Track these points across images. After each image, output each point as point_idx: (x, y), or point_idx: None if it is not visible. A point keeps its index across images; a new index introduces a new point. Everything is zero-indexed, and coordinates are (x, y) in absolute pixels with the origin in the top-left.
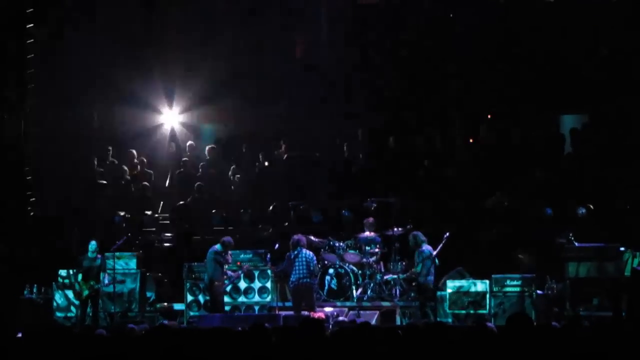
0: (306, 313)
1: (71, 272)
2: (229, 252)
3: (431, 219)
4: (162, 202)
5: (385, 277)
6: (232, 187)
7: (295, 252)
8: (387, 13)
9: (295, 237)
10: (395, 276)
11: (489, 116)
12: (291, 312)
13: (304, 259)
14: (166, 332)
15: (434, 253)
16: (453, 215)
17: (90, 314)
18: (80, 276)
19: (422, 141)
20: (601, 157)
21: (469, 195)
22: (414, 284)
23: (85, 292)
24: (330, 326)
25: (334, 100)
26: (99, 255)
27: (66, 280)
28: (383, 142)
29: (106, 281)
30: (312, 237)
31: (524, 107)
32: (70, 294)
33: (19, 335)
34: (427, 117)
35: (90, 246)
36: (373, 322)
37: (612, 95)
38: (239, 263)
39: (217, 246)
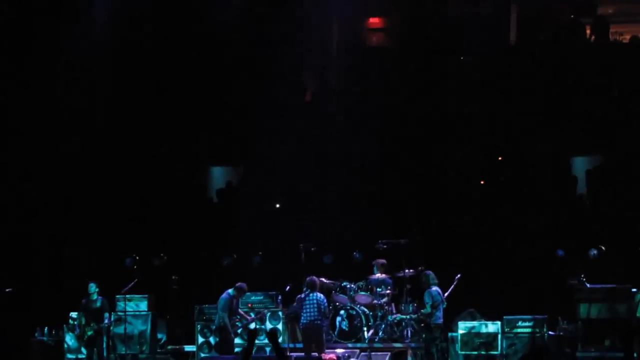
0: (316, 355)
1: (78, 314)
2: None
3: (443, 260)
4: None
5: (395, 317)
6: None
7: (306, 293)
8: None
9: (310, 278)
10: (405, 316)
11: (499, 158)
12: (302, 354)
13: (314, 300)
14: None
15: (444, 295)
16: (465, 257)
17: (96, 356)
18: (83, 318)
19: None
20: (613, 199)
21: (482, 236)
22: (422, 324)
23: (89, 333)
24: None
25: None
26: (99, 297)
27: (75, 322)
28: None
29: (106, 321)
30: (324, 279)
31: (537, 149)
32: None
33: None
34: (434, 158)
35: (90, 288)
36: None
37: (625, 137)
38: (250, 305)
39: (230, 290)
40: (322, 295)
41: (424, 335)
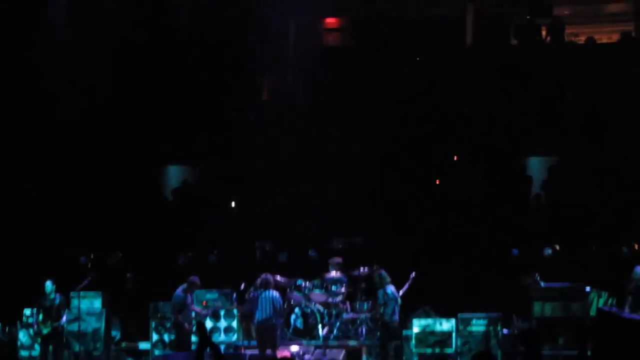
0: (270, 352)
1: (34, 311)
2: (194, 292)
3: (397, 259)
4: None
5: (353, 316)
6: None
7: (259, 291)
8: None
9: (264, 276)
10: (361, 315)
11: (455, 158)
12: (256, 352)
13: (269, 298)
14: None
15: (399, 294)
16: (419, 255)
17: (52, 353)
18: (40, 315)
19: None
20: (568, 198)
21: (434, 234)
22: (379, 323)
23: (46, 331)
24: None
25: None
26: (57, 294)
27: (30, 319)
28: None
29: (64, 319)
30: (279, 277)
31: (491, 149)
32: (32, 332)
33: None
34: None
35: (46, 286)
36: None
37: (581, 137)
38: (204, 302)
39: (183, 286)
40: (277, 293)
41: (378, 333)
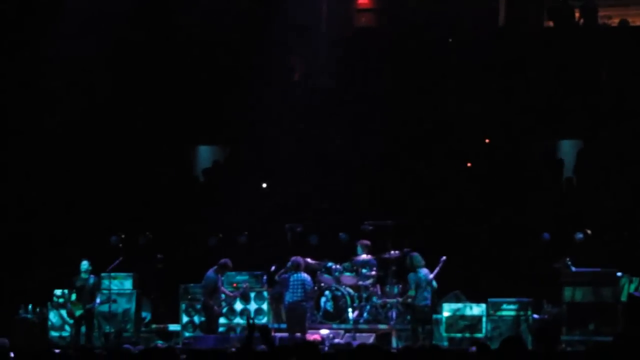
0: (299, 335)
1: (65, 291)
2: (224, 274)
3: (428, 242)
4: None
5: (383, 300)
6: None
7: (290, 274)
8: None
9: (295, 259)
10: (393, 300)
11: (486, 140)
12: (286, 334)
13: (300, 280)
14: (161, 353)
15: (431, 277)
16: (451, 239)
17: (84, 334)
18: (73, 296)
19: (422, 164)
20: (600, 183)
21: (467, 219)
22: (410, 306)
23: (79, 312)
24: (326, 348)
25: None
26: (91, 275)
27: (61, 300)
28: (381, 165)
29: (98, 300)
30: (309, 260)
31: (523, 132)
32: (64, 313)
33: (12, 355)
34: (425, 140)
35: (82, 266)
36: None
37: (611, 121)
38: (235, 285)
39: (214, 268)
40: (307, 275)
41: (408, 317)
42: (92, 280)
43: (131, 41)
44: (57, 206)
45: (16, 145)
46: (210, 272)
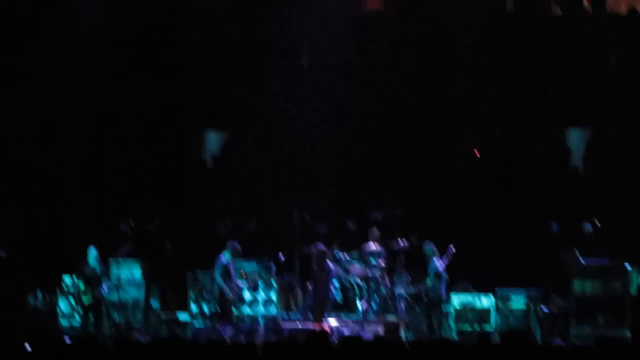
0: (310, 325)
1: (74, 278)
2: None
3: (436, 232)
4: None
5: (394, 290)
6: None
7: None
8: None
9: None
10: (401, 290)
11: (497, 130)
12: (295, 325)
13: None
14: (171, 343)
15: (440, 267)
16: (458, 228)
17: (93, 322)
18: (81, 283)
19: (428, 154)
20: (609, 172)
21: (474, 209)
22: (424, 295)
23: (87, 301)
24: (335, 339)
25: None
26: (99, 262)
27: (72, 288)
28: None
29: (106, 289)
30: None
31: (531, 119)
32: (73, 300)
33: (27, 346)
34: (433, 128)
35: (89, 253)
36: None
37: (622, 109)
38: (242, 273)
39: (225, 254)
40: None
41: (417, 309)
42: (100, 267)
43: (138, 26)
44: (66, 192)
45: (24, 129)
46: (222, 257)
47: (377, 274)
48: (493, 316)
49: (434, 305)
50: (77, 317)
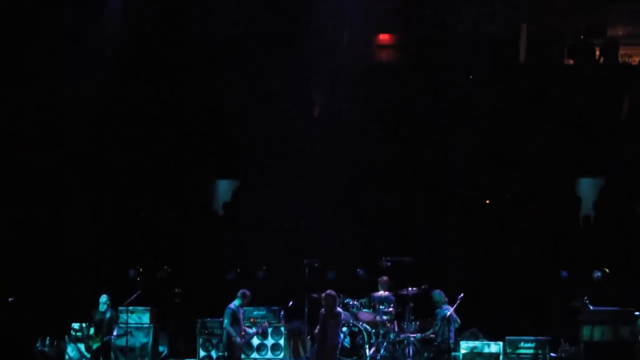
0: None
1: (84, 325)
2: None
3: (446, 279)
4: None
5: (402, 336)
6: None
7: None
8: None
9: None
10: (412, 336)
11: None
12: None
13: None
14: None
15: (448, 314)
16: (468, 276)
17: None
18: (92, 329)
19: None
20: (619, 221)
21: (484, 256)
22: (435, 342)
23: (96, 345)
24: None
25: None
26: (110, 308)
27: (79, 334)
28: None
29: (115, 333)
30: None
31: (542, 168)
32: (82, 346)
33: None
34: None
35: (101, 299)
36: None
37: (633, 159)
38: (252, 320)
39: (236, 301)
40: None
41: (425, 354)
42: (110, 313)
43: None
44: (76, 240)
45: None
46: (232, 305)
47: (386, 319)
48: None
49: (442, 351)
50: None
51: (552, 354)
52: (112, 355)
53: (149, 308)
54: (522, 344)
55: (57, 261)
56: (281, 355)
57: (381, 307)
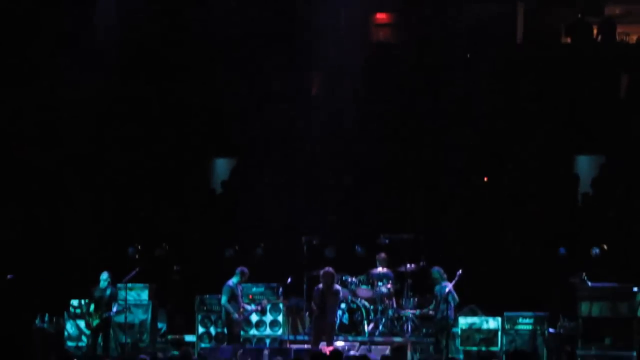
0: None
1: (83, 302)
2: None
3: (444, 256)
4: None
5: (400, 313)
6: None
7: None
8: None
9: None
10: (411, 312)
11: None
12: (302, 346)
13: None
14: None
15: (447, 290)
16: (466, 252)
17: (101, 344)
18: (92, 306)
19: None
20: (616, 198)
21: (483, 234)
22: (434, 319)
23: (96, 322)
24: None
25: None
26: (110, 286)
27: (78, 310)
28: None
29: (114, 310)
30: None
31: (540, 147)
32: (81, 323)
33: None
34: (442, 156)
35: (101, 276)
36: None
37: (631, 137)
38: (250, 296)
39: (234, 278)
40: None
41: (424, 330)
42: (109, 290)
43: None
44: (76, 217)
45: (37, 158)
46: (229, 282)
47: (385, 296)
48: (499, 337)
49: (441, 327)
50: (84, 339)
51: (550, 330)
52: (112, 331)
53: (147, 285)
54: (520, 320)
55: (56, 238)
56: (280, 332)
57: (379, 283)
